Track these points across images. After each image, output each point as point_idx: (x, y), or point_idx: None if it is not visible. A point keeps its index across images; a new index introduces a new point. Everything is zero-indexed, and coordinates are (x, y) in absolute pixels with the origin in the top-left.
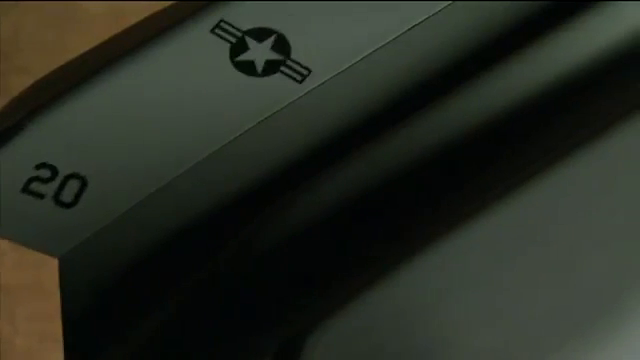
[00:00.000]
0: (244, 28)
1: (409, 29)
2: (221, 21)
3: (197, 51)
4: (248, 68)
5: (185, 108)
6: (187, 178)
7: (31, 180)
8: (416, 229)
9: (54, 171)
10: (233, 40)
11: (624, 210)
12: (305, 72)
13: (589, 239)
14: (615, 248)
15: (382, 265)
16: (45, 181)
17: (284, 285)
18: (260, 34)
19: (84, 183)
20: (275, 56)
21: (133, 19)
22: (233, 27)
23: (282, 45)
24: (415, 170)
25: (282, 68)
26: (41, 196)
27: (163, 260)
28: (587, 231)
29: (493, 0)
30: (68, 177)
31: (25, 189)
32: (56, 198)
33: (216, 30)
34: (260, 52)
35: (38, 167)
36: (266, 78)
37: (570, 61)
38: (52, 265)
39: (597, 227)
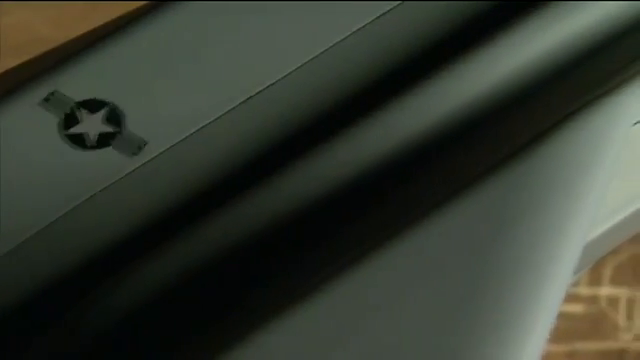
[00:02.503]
0: (76, 99)
1: (258, 92)
2: (53, 92)
3: (25, 124)
4: (79, 141)
5: (12, 185)
6: (11, 258)
7: None
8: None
9: None
10: (64, 112)
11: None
12: (141, 144)
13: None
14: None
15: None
16: None
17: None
18: (93, 105)
19: None
20: (108, 128)
21: None
22: (65, 98)
23: (116, 117)
24: (259, 238)
25: (115, 140)
26: None
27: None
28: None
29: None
30: None
31: None
32: None
33: (47, 101)
34: (92, 124)
35: None
36: (98, 151)
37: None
38: None
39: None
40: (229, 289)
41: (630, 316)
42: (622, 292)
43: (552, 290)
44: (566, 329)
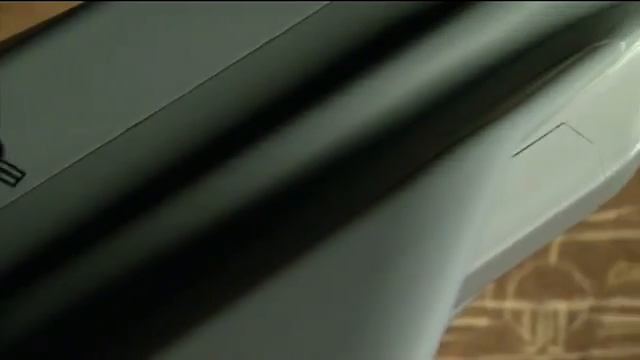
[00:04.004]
0: None
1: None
2: None
3: None
4: None
5: None
6: None
7: None
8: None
9: None
10: None
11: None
12: (19, 175)
13: None
14: None
15: None
16: None
17: None
18: None
19: None
20: None
21: None
22: None
23: None
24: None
25: None
26: None
27: None
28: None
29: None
30: None
31: None
32: None
33: None
34: None
35: None
36: None
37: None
38: None
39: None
40: (121, 319)
41: (534, 329)
42: (526, 305)
43: (432, 322)
44: (471, 343)
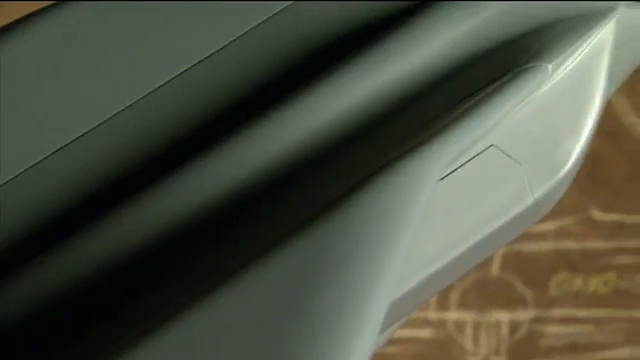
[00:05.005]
0: None
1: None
2: None
3: None
4: None
5: None
6: None
7: None
8: None
9: None
10: None
11: None
12: None
13: None
14: None
15: None
16: None
17: None
18: None
19: None
20: None
21: None
22: None
23: None
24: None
25: None
26: None
27: None
28: None
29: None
30: None
31: None
32: None
33: None
34: None
35: None
36: None
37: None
38: None
39: None
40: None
41: (477, 340)
42: (469, 316)
43: (357, 348)
44: (415, 354)
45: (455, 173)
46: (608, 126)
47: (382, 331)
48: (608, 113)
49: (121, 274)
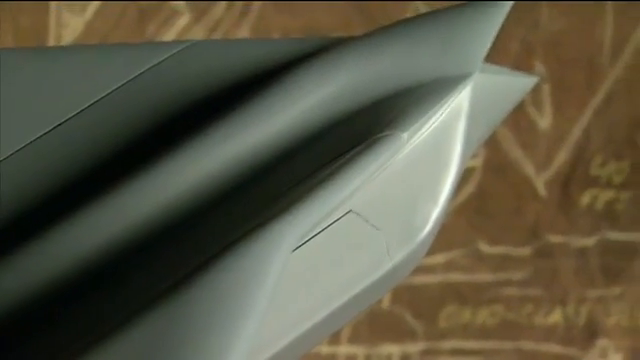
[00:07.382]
0: None
1: None
2: None
3: None
4: None
5: None
6: None
7: None
8: None
9: None
10: None
11: None
12: None
13: None
14: None
15: None
16: None
17: None
18: None
19: None
20: None
21: None
22: None
23: None
24: None
25: None
26: None
27: None
28: None
29: None
30: None
31: None
32: None
33: None
34: None
35: None
36: None
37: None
38: None
39: None
40: None
41: None
42: (359, 350)
43: None
44: None
45: (312, 240)
46: (495, 161)
47: None
48: (494, 148)
49: None
